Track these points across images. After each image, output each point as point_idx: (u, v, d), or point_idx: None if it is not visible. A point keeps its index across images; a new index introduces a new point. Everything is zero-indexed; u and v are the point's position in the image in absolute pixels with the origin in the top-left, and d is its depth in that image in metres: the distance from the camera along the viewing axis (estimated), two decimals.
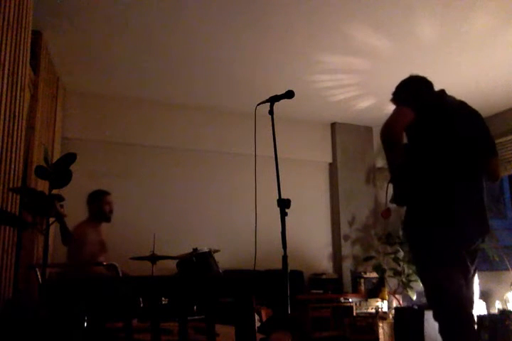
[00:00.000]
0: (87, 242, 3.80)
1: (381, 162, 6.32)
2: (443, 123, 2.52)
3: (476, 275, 5.64)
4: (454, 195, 2.45)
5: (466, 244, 2.46)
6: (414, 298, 5.37)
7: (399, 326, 4.98)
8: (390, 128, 2.41)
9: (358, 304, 5.51)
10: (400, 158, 2.49)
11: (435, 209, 2.45)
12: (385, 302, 5.63)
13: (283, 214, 2.26)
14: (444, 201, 2.44)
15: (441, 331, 2.41)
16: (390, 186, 2.67)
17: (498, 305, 5.12)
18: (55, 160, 2.74)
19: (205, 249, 3.24)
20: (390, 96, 2.77)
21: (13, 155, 2.82)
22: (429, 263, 2.48)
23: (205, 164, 5.70)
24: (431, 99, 2.61)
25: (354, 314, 5.33)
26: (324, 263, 6.03)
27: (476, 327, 2.51)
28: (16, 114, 2.86)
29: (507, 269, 5.18)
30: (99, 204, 3.97)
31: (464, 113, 2.63)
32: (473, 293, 2.56)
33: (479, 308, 5.12)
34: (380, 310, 5.43)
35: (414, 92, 2.64)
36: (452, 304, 2.41)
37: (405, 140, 2.59)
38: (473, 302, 2.53)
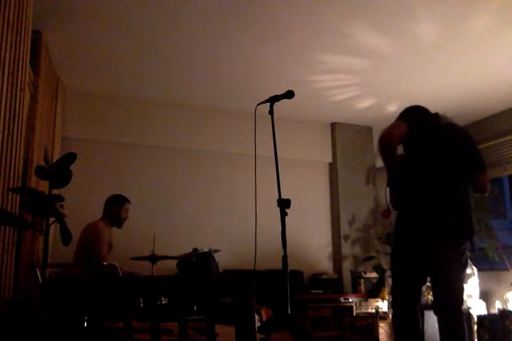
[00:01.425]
0: (102, 240, 3.83)
1: (381, 162, 6.31)
2: (435, 140, 2.84)
3: (476, 275, 5.65)
4: (440, 201, 2.71)
5: (450, 246, 2.70)
6: None
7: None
8: (384, 138, 2.74)
9: (358, 304, 5.50)
10: (396, 166, 2.81)
11: (421, 215, 2.72)
12: (385, 302, 5.62)
13: (283, 214, 2.26)
14: (430, 207, 2.71)
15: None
16: (388, 190, 2.98)
17: (498, 305, 5.11)
18: (55, 160, 2.74)
19: (205, 249, 3.24)
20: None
21: (13, 155, 2.81)
22: (400, 264, 2.79)
23: (205, 164, 5.70)
24: (426, 118, 2.93)
25: (354, 314, 5.33)
26: (324, 263, 6.02)
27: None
28: (16, 114, 2.86)
29: (507, 269, 5.18)
30: (118, 209, 4.05)
31: (455, 132, 2.96)
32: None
33: (479, 308, 5.12)
34: (380, 310, 5.43)
35: (410, 112, 2.95)
36: (398, 302, 2.76)
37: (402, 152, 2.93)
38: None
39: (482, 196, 2.99)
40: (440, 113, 3.00)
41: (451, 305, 2.66)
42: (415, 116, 2.90)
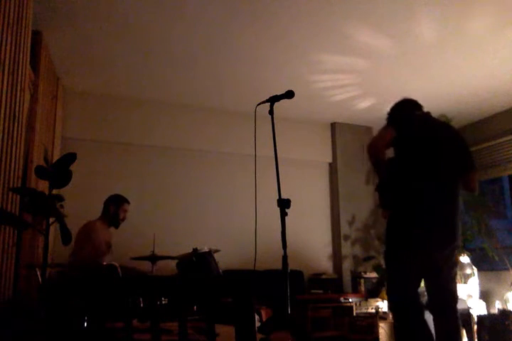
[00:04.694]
0: (96, 239, 3.83)
1: None
2: (424, 141, 2.84)
3: (476, 275, 5.65)
4: (425, 204, 2.74)
5: (434, 247, 2.72)
6: None
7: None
8: (374, 146, 2.78)
9: (358, 304, 5.50)
10: (384, 171, 2.83)
11: (410, 216, 2.75)
12: (385, 302, 5.62)
13: (283, 214, 2.27)
14: (418, 209, 2.74)
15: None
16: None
17: (498, 305, 5.11)
18: (55, 160, 2.74)
19: (205, 249, 3.25)
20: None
21: (13, 155, 2.82)
22: (395, 261, 2.77)
23: (205, 164, 5.70)
24: (415, 121, 2.93)
25: (354, 314, 5.33)
26: (324, 263, 6.03)
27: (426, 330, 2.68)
28: (16, 114, 2.86)
29: (507, 269, 5.18)
30: (116, 209, 4.06)
31: (446, 133, 2.95)
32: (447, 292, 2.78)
33: (479, 308, 5.12)
34: (380, 310, 5.43)
35: (399, 115, 2.98)
36: (398, 298, 2.71)
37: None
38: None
39: (472, 194, 3.03)
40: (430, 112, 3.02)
41: (448, 304, 2.67)
42: (404, 118, 2.92)
